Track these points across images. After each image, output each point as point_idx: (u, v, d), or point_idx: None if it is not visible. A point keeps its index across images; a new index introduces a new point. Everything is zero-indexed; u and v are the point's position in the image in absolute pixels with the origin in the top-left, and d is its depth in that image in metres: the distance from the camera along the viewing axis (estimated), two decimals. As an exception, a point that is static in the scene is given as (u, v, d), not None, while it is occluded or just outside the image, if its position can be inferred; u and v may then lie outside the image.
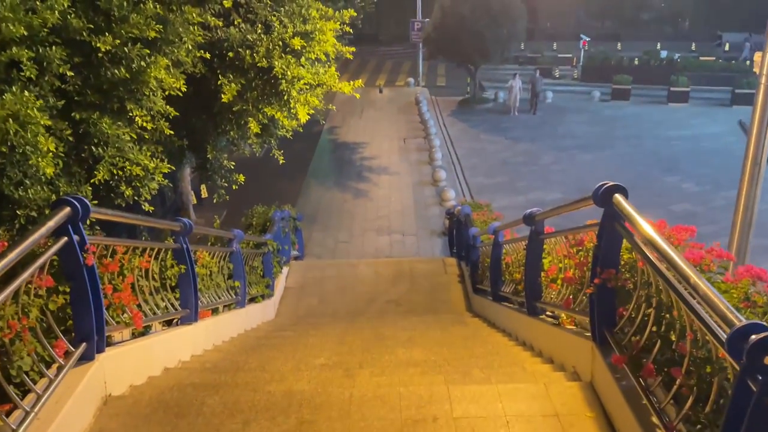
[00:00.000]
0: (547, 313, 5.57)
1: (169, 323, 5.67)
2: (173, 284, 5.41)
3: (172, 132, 6.40)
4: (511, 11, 25.35)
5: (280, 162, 9.84)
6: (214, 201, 9.89)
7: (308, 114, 7.90)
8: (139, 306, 4.55)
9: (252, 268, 8.71)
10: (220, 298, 6.80)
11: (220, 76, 7.28)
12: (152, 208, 6.33)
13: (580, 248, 4.45)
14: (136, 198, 5.92)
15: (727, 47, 37.29)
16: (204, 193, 17.12)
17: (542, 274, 5.55)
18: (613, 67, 29.90)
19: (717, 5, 41.58)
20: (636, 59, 30.80)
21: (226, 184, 9.87)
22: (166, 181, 6.14)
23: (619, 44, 38.90)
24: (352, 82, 8.67)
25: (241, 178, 9.86)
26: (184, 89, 6.57)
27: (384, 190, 18.19)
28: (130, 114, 5.70)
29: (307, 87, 8.01)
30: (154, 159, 5.87)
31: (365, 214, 16.47)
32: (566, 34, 40.16)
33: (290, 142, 23.36)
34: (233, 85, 7.25)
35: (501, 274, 7.45)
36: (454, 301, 9.92)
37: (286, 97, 7.50)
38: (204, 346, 5.97)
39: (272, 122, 8.80)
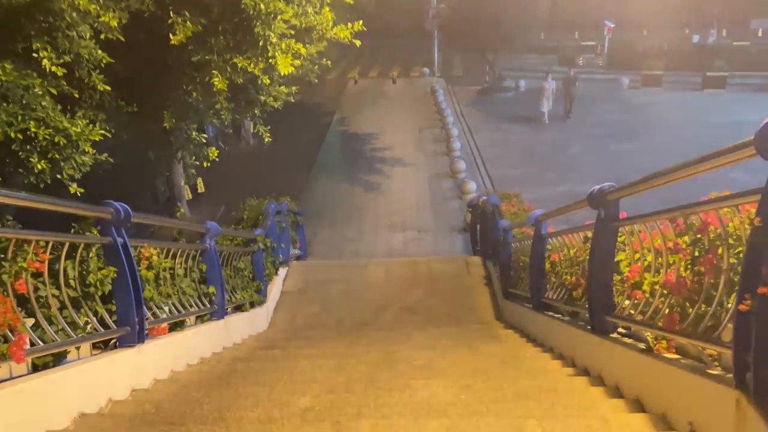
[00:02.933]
0: (620, 329, 4.00)
1: (106, 344, 4.20)
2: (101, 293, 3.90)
3: (108, 87, 4.85)
4: (532, -7, 23.71)
5: (266, 140, 8.36)
6: (183, 183, 8.38)
7: (293, 66, 6.24)
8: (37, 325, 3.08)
9: (237, 269, 7.21)
10: (185, 308, 5.30)
11: (171, 12, 5.65)
12: (81, 190, 4.79)
13: (700, 236, 2.86)
14: (57, 176, 4.39)
15: (760, 33, 35.22)
16: (200, 188, 15.68)
17: (615, 276, 3.98)
18: (640, 53, 28.10)
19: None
20: (665, 45, 28.95)
21: (196, 162, 8.24)
22: (105, 155, 4.64)
23: (645, 30, 36.89)
24: (350, 25, 6.97)
25: (214, 152, 8.25)
26: (121, 37, 4.95)
27: (398, 183, 16.64)
28: (36, 54, 4.16)
29: (292, 32, 6.36)
30: (78, 122, 4.32)
31: (377, 209, 14.92)
32: (588, 21, 38.22)
33: (297, 133, 21.98)
34: (188, 24, 5.61)
35: (545, 276, 5.86)
36: (480, 307, 8.35)
37: (262, 43, 5.85)
38: (156, 375, 4.45)
39: (253, 85, 7.21)
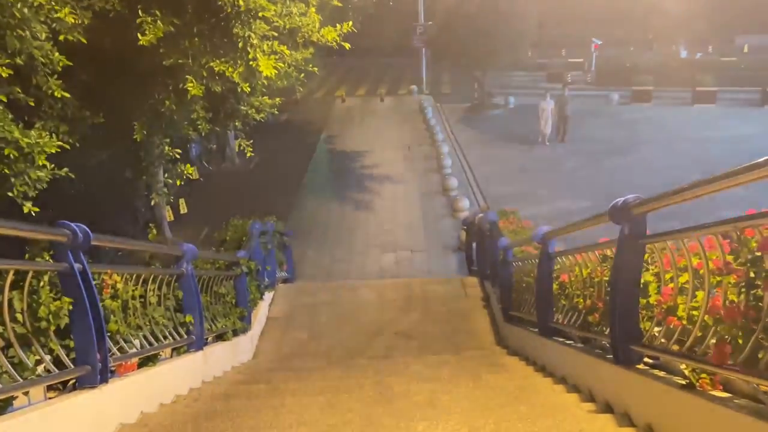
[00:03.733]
0: (647, 358, 3.54)
1: (65, 385, 3.69)
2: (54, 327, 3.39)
3: (67, 95, 4.34)
4: (520, 8, 23.54)
5: (248, 155, 7.89)
6: (152, 203, 7.82)
7: (276, 69, 5.73)
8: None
9: (218, 295, 6.69)
10: (158, 340, 4.78)
11: (140, 11, 5.12)
12: (36, 209, 4.27)
13: (759, 254, 2.41)
14: (8, 194, 3.87)
15: (745, 49, 35.45)
16: (183, 208, 15.12)
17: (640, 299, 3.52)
18: (629, 70, 28.06)
19: (735, 8, 39.76)
20: (653, 60, 28.94)
21: (169, 180, 7.67)
22: (65, 170, 4.14)
23: (632, 47, 37.04)
24: (339, 26, 6.51)
25: (189, 169, 7.71)
26: (83, 39, 4.44)
27: (388, 201, 16.19)
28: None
29: (275, 34, 5.87)
30: (32, 133, 3.81)
31: (367, 229, 14.44)
32: (575, 39, 38.34)
33: (283, 152, 21.54)
34: (159, 23, 5.10)
35: (553, 298, 5.39)
36: (479, 332, 7.85)
37: (241, 44, 5.35)
38: (122, 419, 3.92)
39: (233, 95, 6.72)
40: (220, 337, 6.70)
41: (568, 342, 4.99)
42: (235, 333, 7.14)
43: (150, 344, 4.59)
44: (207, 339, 6.07)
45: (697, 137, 20.51)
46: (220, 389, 5.24)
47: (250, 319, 7.60)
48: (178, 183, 7.59)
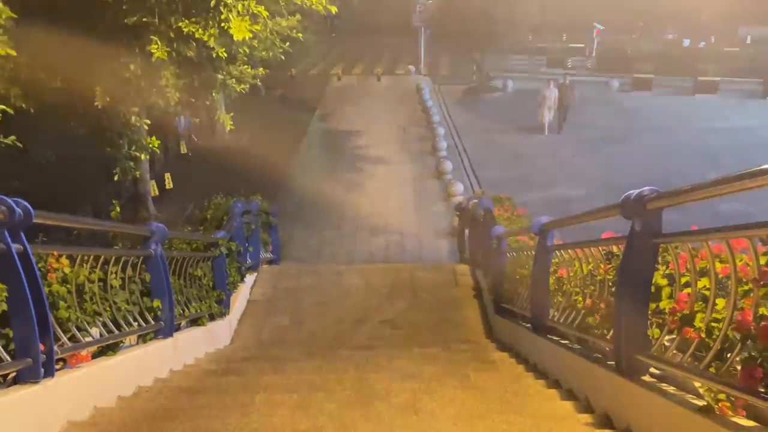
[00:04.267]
0: (653, 369, 3.19)
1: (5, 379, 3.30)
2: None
3: (12, 52, 3.85)
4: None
5: (227, 128, 7.45)
6: (116, 178, 7.32)
7: (252, 32, 5.21)
8: None
9: (193, 278, 6.29)
10: (121, 328, 4.39)
11: None
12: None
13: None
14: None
15: (748, 40, 34.99)
16: (168, 183, 14.67)
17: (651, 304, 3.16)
18: (630, 57, 27.56)
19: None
20: (655, 48, 28.45)
21: (136, 154, 7.12)
22: (12, 138, 3.68)
23: (633, 35, 36.50)
24: None
25: (155, 142, 7.20)
26: None
27: (380, 183, 15.77)
28: None
29: None
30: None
31: (357, 210, 14.03)
32: (576, 23, 37.72)
33: (276, 129, 21.04)
34: None
35: (549, 295, 5.03)
36: (469, 323, 7.51)
37: (213, 3, 4.85)
38: (70, 416, 3.53)
39: (210, 62, 6.23)
40: (195, 322, 6.32)
41: (563, 342, 4.64)
42: (212, 317, 6.77)
43: (110, 332, 4.20)
44: (179, 324, 5.69)
45: (699, 127, 20.14)
46: (187, 381, 4.87)
47: (228, 302, 7.22)
48: (143, 157, 7.12)
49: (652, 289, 3.13)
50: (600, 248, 3.91)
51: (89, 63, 5.52)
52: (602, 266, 3.82)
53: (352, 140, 19.90)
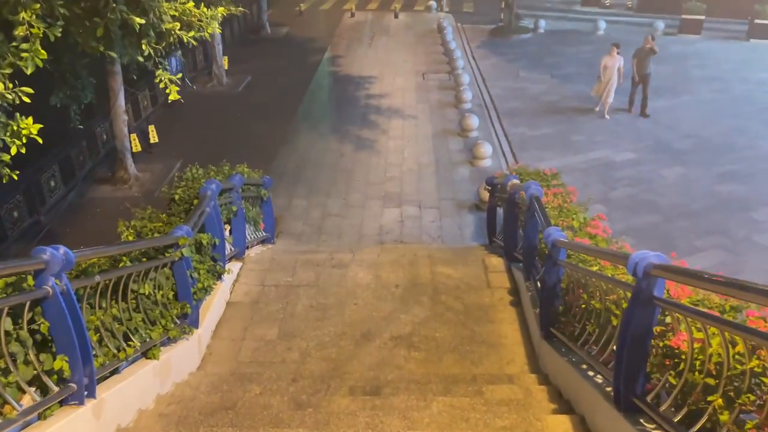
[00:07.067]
0: None
1: None
2: None
3: None
4: None
5: (171, 98, 5.69)
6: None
7: None
8: None
9: (138, 297, 4.62)
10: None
11: None
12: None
13: None
14: None
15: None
16: (153, 137, 12.87)
17: None
18: (677, -5, 24.67)
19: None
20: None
21: (81, 97, 5.35)
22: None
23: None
24: None
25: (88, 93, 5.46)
26: None
27: (395, 141, 13.85)
28: None
29: None
30: None
31: (368, 174, 12.20)
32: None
33: (280, 73, 18.96)
34: None
35: (647, 365, 3.29)
36: (506, 345, 5.82)
37: None
38: None
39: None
40: (144, 354, 4.71)
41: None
42: (170, 341, 5.15)
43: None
44: (106, 374, 4.07)
45: (757, 78, 17.78)
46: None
47: (196, 316, 5.57)
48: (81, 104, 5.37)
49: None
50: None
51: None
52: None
53: (364, 88, 17.83)
